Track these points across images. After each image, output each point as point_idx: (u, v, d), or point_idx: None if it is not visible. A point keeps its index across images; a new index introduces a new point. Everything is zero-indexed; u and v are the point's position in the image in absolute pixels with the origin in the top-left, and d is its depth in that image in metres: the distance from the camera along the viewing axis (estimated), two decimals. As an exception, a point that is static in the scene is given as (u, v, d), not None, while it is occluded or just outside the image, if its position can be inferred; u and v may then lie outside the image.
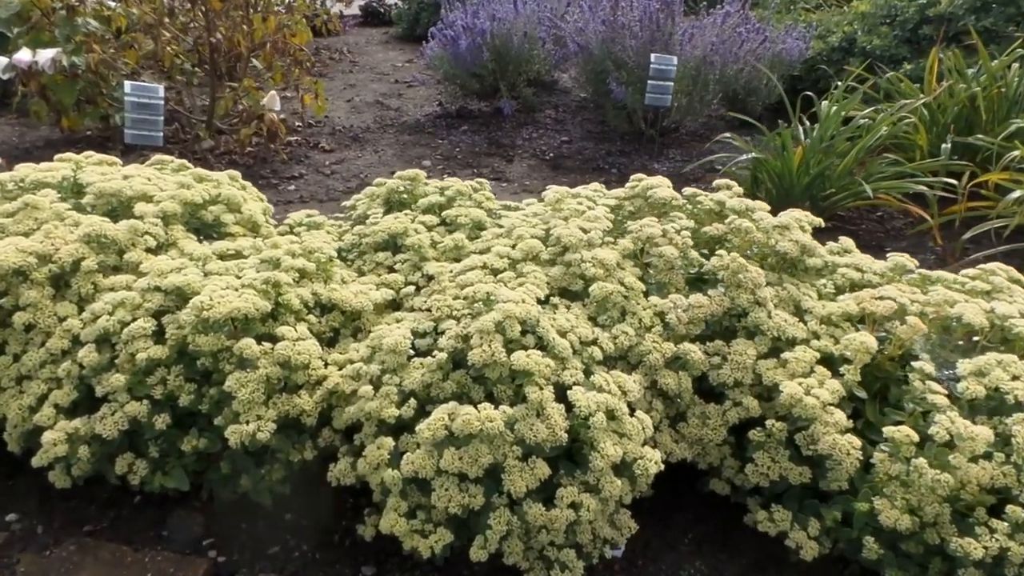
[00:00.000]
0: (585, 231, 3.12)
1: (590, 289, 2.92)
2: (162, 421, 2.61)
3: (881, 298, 2.91)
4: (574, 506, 2.37)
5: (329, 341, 2.96)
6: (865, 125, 5.68)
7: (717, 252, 3.05)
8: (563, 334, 2.65)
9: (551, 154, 7.38)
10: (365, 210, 3.71)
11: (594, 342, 2.73)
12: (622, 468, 2.50)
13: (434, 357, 2.62)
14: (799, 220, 3.20)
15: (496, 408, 2.38)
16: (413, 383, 2.59)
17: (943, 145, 5.49)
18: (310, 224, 3.67)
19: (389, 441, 2.47)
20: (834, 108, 5.75)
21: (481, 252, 3.19)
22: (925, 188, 4.90)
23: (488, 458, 2.33)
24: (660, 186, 3.44)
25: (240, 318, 2.64)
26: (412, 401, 2.54)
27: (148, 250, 3.03)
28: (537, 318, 2.60)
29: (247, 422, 2.53)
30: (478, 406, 2.37)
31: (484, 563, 2.37)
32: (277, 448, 2.67)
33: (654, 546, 2.84)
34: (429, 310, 2.97)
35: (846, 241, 3.43)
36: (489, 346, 2.48)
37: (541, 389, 2.42)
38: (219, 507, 2.94)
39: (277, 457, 2.71)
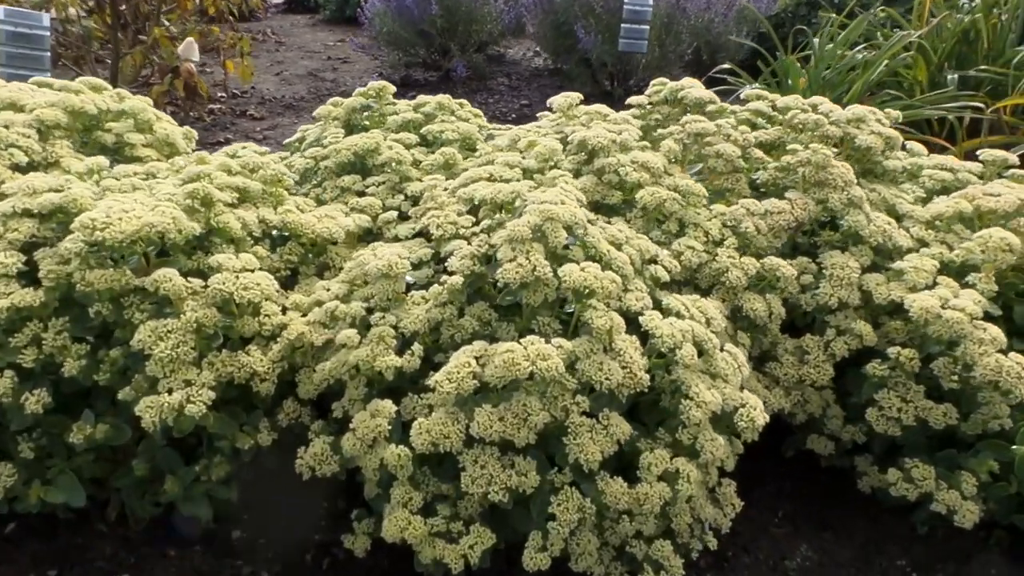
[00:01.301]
0: (615, 134, 2.40)
1: (637, 197, 2.20)
2: (37, 402, 1.74)
3: (994, 194, 2.29)
4: (666, 478, 1.64)
5: (285, 282, 2.13)
6: (862, 60, 5.19)
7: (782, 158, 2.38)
8: (618, 247, 1.92)
9: (513, 115, 6.66)
10: (319, 134, 2.89)
11: (654, 260, 2.01)
12: (718, 422, 1.78)
13: (442, 285, 1.84)
14: (873, 113, 2.56)
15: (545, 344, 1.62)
16: (415, 323, 1.80)
17: (949, 76, 5.04)
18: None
19: (388, 405, 1.68)
20: (829, 45, 5.24)
21: (482, 166, 2.43)
22: (947, 115, 4.42)
23: (542, 416, 1.57)
24: (692, 86, 2.75)
25: (153, 240, 1.80)
26: (416, 348, 1.76)
27: (15, 168, 2.14)
28: (586, 223, 1.85)
29: (169, 391, 1.69)
30: (521, 342, 1.61)
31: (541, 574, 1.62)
32: (217, 432, 1.84)
33: (741, 530, 2.13)
34: (423, 235, 2.19)
35: (916, 146, 2.82)
36: (527, 258, 1.72)
37: (607, 314, 1.68)
38: (136, 530, 2.08)
39: (218, 447, 1.87)
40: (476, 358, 1.63)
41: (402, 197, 2.43)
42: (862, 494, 2.20)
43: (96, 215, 1.76)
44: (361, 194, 2.48)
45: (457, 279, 1.81)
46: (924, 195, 2.52)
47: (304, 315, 1.95)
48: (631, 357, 1.66)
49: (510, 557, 1.95)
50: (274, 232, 2.20)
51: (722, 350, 1.84)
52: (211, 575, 1.98)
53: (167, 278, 1.73)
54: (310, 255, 2.20)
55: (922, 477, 1.92)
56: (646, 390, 1.67)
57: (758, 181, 2.44)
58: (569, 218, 1.81)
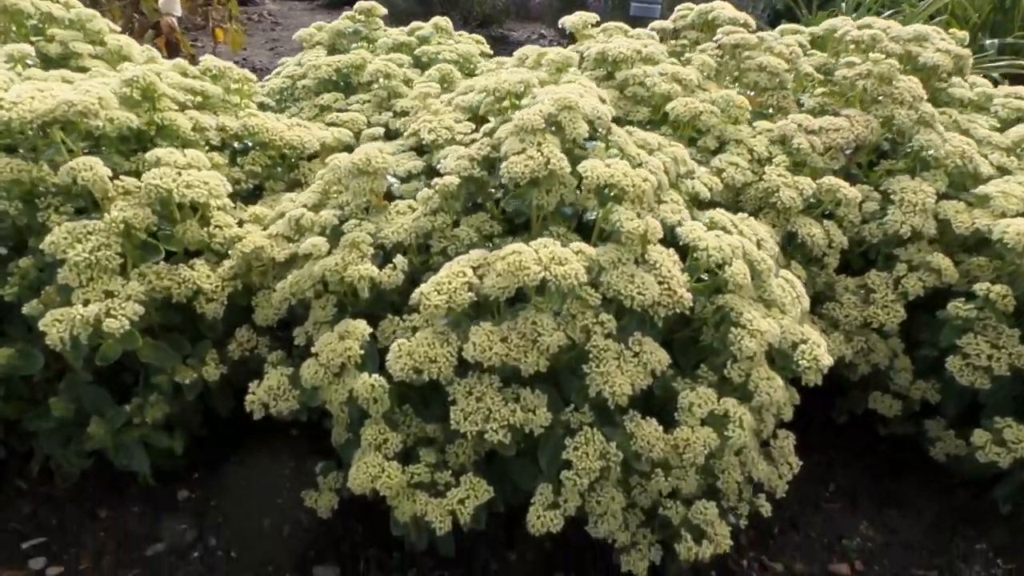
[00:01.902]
0: (639, 46, 2.05)
1: (668, 109, 1.85)
2: (-74, 317, 1.39)
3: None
4: (711, 423, 1.29)
5: (249, 197, 1.79)
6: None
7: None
8: (649, 152, 1.57)
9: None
10: (299, 60, 2.53)
11: (690, 174, 1.66)
12: (771, 364, 1.43)
13: (434, 188, 1.49)
14: (937, 32, 2.21)
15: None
16: (398, 232, 1.46)
17: (987, 42, 4.71)
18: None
19: (361, 325, 1.33)
20: (854, 12, 4.91)
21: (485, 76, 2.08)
22: (993, 72, 4.08)
23: (555, 336, 1.22)
24: (724, 7, 2.40)
25: (76, 128, 1.46)
26: (399, 260, 1.41)
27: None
28: (610, 121, 1.50)
29: (85, 303, 1.34)
30: (531, 244, 1.26)
31: (541, 543, 1.26)
32: (154, 363, 1.49)
33: (788, 503, 1.77)
34: (414, 150, 1.84)
35: (978, 79, 2.47)
36: (539, 150, 1.37)
37: (638, 215, 1.34)
38: (62, 487, 1.73)
39: (154, 383, 1.53)
40: (474, 268, 1.29)
41: (390, 114, 2.09)
42: (928, 467, 1.85)
43: (3, 95, 1.42)
44: (344, 112, 2.13)
45: (451, 179, 1.46)
46: (998, 125, 2.17)
47: (266, 228, 1.60)
48: (669, 271, 1.31)
49: (511, 522, 1.60)
50: (236, 144, 1.86)
51: (777, 276, 1.50)
52: (146, 540, 1.64)
53: (87, 166, 1.39)
54: (279, 168, 1.85)
55: (1017, 439, 1.57)
56: (687, 312, 1.32)
57: (806, 106, 2.10)
58: (590, 111, 1.46)
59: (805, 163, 1.81)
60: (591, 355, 1.23)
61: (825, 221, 1.75)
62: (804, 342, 1.42)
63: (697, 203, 1.65)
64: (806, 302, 1.52)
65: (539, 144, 1.39)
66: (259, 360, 1.50)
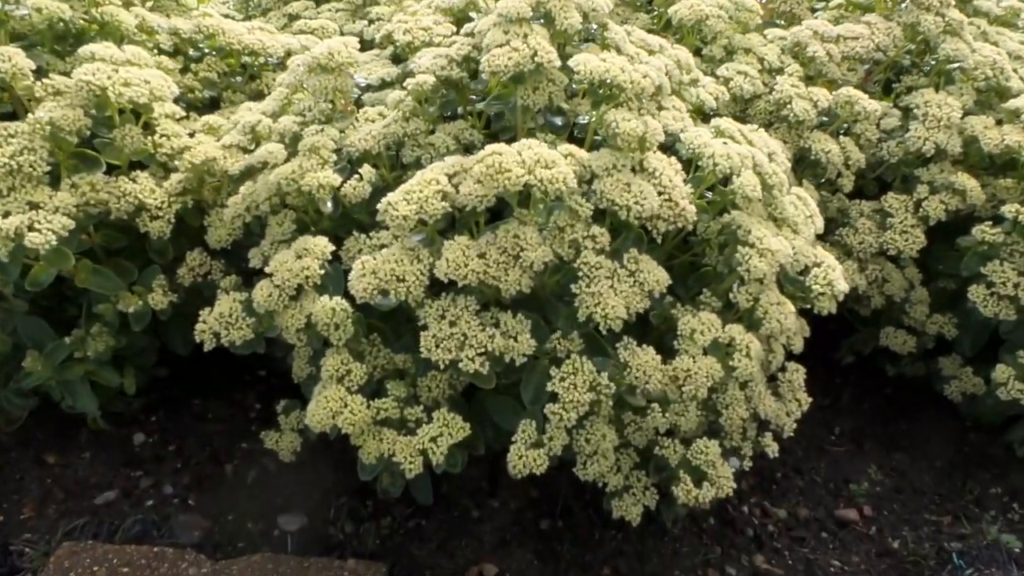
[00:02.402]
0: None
1: (671, 12, 1.66)
2: None
3: None
4: (715, 351, 1.14)
5: (205, 110, 1.61)
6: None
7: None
8: (650, 52, 1.39)
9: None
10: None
11: (695, 83, 1.49)
12: (781, 290, 1.29)
13: (406, 90, 1.32)
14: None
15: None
16: (365, 140, 1.29)
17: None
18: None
19: (321, 242, 1.17)
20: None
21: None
22: None
23: (540, 252, 1.07)
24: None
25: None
26: (366, 171, 1.25)
27: None
28: (604, 10, 1.32)
29: (5, 214, 1.18)
30: (513, 145, 1.10)
31: (527, 490, 1.13)
32: (93, 288, 1.33)
33: (792, 447, 1.65)
34: (392, 60, 1.65)
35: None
36: (524, 42, 1.19)
37: (638, 118, 1.17)
38: (6, 430, 1.59)
39: (97, 312, 1.37)
40: (449, 175, 1.12)
41: (365, 23, 1.89)
42: (938, 409, 1.74)
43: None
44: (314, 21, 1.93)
45: (426, 78, 1.29)
46: (1028, 40, 1.99)
47: (219, 139, 1.43)
48: (671, 179, 1.15)
49: (493, 467, 1.48)
50: (192, 51, 1.67)
51: (789, 193, 1.34)
52: (97, 488, 1.50)
53: (5, 56, 1.20)
54: (238, 78, 1.67)
55: (1042, 375, 1.44)
56: (690, 230, 1.17)
57: (822, 17, 1.91)
58: (585, 1, 1.28)
59: (820, 74, 1.63)
60: (581, 273, 1.08)
61: (843, 137, 1.58)
62: (818, 265, 1.27)
63: (701, 114, 1.49)
64: (819, 222, 1.36)
65: (525, 36, 1.21)
66: (214, 288, 1.34)
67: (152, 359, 1.58)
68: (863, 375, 1.87)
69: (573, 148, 1.12)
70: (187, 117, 1.49)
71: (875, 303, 1.61)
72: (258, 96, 1.68)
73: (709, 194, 1.28)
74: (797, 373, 1.29)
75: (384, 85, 1.53)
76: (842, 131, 1.64)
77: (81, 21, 1.45)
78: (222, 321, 1.21)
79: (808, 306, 1.28)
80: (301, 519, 1.45)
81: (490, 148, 1.06)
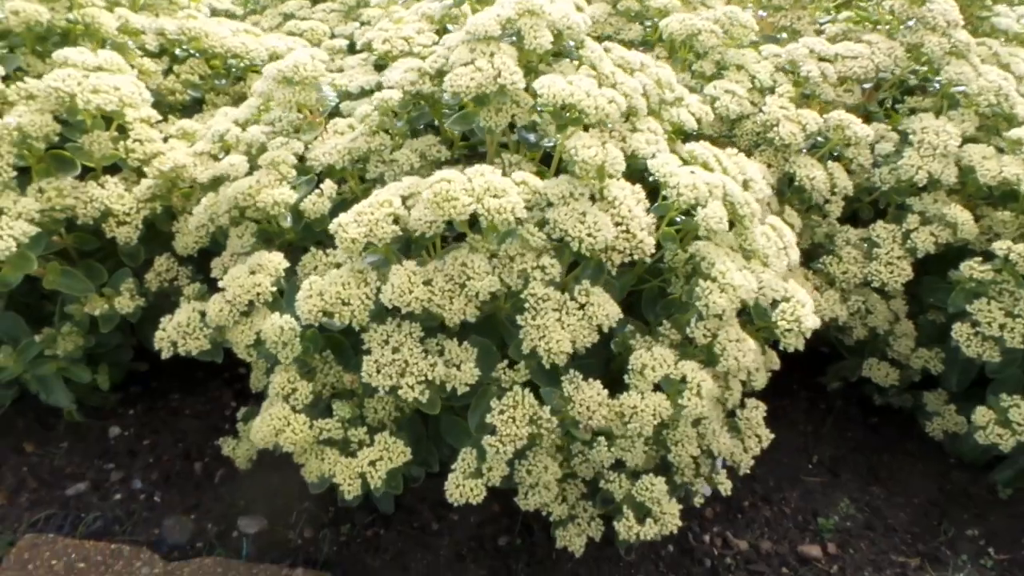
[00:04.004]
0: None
1: (662, 26, 1.62)
2: None
3: None
4: (667, 387, 1.12)
5: (188, 112, 1.62)
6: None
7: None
8: (629, 72, 1.36)
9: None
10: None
11: (678, 101, 1.45)
12: (746, 324, 1.26)
13: (371, 106, 1.31)
14: (986, -50, 1.92)
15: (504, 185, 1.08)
16: (330, 154, 1.28)
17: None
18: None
19: (275, 258, 1.17)
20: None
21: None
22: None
23: (487, 281, 1.05)
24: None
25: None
26: (327, 187, 1.24)
27: None
28: (584, 32, 1.29)
29: (-32, 218, 1.20)
30: (465, 171, 1.08)
31: (488, 505, 1.12)
32: (61, 290, 1.35)
33: (763, 474, 1.62)
34: (379, 67, 1.64)
35: (1029, 11, 2.18)
36: (489, 61, 1.17)
37: (602, 144, 1.14)
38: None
39: (67, 312, 1.39)
40: (403, 197, 1.11)
41: (357, 25, 1.88)
42: (923, 443, 1.69)
43: None
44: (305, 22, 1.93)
45: (391, 93, 1.27)
46: (1046, 60, 1.90)
47: (192, 144, 1.43)
48: (629, 210, 1.12)
49: (426, 491, 1.47)
50: (178, 51, 1.67)
51: (763, 223, 1.30)
52: (70, 479, 1.54)
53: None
54: (222, 80, 1.67)
55: (1023, 421, 1.39)
56: (649, 259, 1.15)
57: (827, 32, 1.84)
58: (559, 18, 1.25)
59: (814, 94, 1.58)
60: (527, 304, 1.06)
61: (831, 163, 1.53)
62: (786, 300, 1.23)
63: (683, 135, 1.45)
64: (795, 254, 1.32)
65: (491, 55, 1.19)
66: (177, 291, 1.36)
67: (128, 356, 1.60)
68: (849, 402, 1.83)
69: (528, 176, 1.10)
70: (165, 120, 1.50)
71: (857, 335, 1.56)
72: (242, 98, 1.68)
73: (680, 218, 1.25)
74: (756, 410, 1.26)
75: (363, 93, 1.52)
76: (833, 155, 1.59)
77: (62, 23, 1.46)
78: (180, 331, 1.22)
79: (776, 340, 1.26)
80: (261, 522, 1.46)
81: (439, 175, 1.05)
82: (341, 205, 1.31)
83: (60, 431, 1.62)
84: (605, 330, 1.09)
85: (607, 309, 1.08)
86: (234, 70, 1.67)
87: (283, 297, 1.18)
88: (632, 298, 1.34)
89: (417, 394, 1.04)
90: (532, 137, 1.33)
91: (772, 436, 1.29)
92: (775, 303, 1.24)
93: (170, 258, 1.40)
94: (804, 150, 1.51)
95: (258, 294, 1.13)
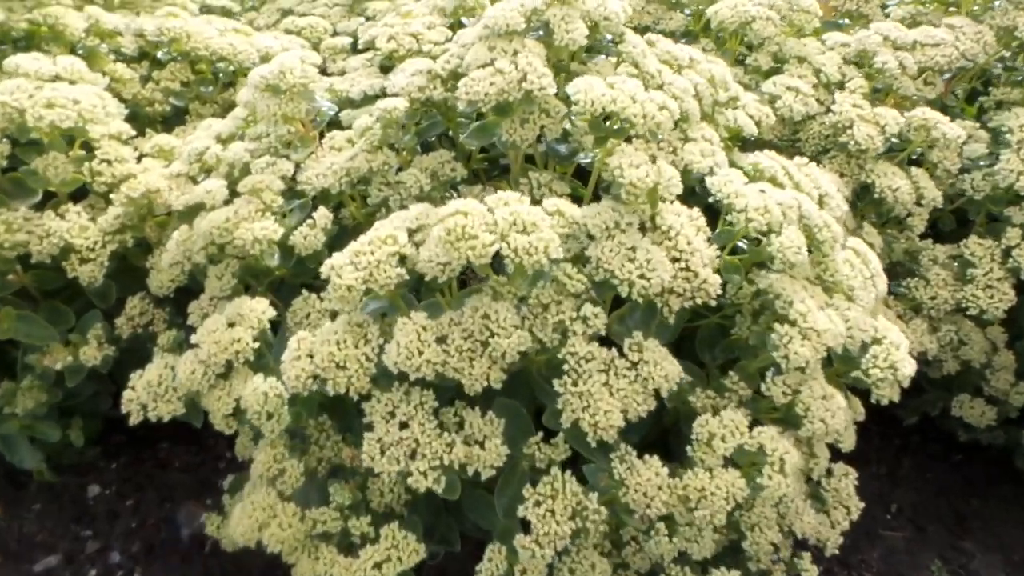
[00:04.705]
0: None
1: (711, 13, 1.40)
2: None
3: None
4: (741, 458, 0.90)
5: (172, 124, 1.42)
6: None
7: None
8: (676, 69, 1.14)
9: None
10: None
11: (733, 102, 1.22)
12: (826, 366, 1.03)
13: (372, 117, 1.10)
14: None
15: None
16: (325, 176, 1.07)
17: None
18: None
19: (258, 306, 0.97)
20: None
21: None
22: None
23: (516, 337, 0.84)
24: None
25: None
26: (320, 216, 1.04)
27: None
28: (621, 17, 1.07)
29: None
30: (486, 201, 0.87)
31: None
32: (19, 338, 1.16)
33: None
34: (381, 63, 1.43)
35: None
36: (512, 61, 0.96)
37: (651, 160, 0.93)
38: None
39: (28, 363, 1.20)
40: (411, 230, 0.91)
41: (361, 20, 1.67)
42: (1018, 485, 1.47)
43: None
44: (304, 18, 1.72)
45: (396, 103, 1.06)
46: None
47: (169, 164, 1.23)
48: (689, 243, 0.91)
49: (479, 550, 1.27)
50: (161, 54, 1.47)
51: (843, 247, 1.08)
52: (41, 549, 1.35)
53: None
54: (209, 87, 1.47)
55: None
56: (712, 303, 0.93)
57: (893, 16, 1.60)
58: (594, 7, 1.03)
59: (890, 89, 1.35)
60: (567, 367, 0.85)
61: (914, 170, 1.30)
62: (877, 342, 1.01)
63: (740, 142, 1.23)
64: (882, 284, 1.10)
65: (514, 54, 0.97)
66: (150, 338, 1.16)
67: (106, 404, 1.41)
68: (927, 438, 1.60)
69: (563, 203, 0.89)
70: (142, 135, 1.31)
71: (948, 368, 1.33)
72: (232, 108, 1.48)
73: (743, 242, 1.03)
74: (846, 479, 1.04)
75: (366, 100, 1.31)
76: (913, 159, 1.36)
77: (23, 24, 1.27)
78: (150, 391, 1.02)
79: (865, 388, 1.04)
80: (256, 602, 1.27)
81: (453, 205, 0.84)
82: (340, 235, 1.11)
83: (32, 491, 1.44)
84: (664, 394, 0.87)
85: (665, 368, 0.87)
86: (222, 75, 1.47)
87: (271, 351, 0.98)
88: (683, 332, 1.12)
89: (431, 482, 0.83)
90: (563, 149, 1.11)
91: (862, 506, 1.07)
92: (864, 346, 1.02)
93: (145, 298, 1.20)
94: (881, 155, 1.28)
95: (237, 352, 0.93)
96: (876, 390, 1.01)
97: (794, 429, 0.97)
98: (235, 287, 1.04)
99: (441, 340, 0.85)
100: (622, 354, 0.88)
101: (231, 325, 0.95)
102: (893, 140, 1.30)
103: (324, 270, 0.88)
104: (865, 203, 1.31)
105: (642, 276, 0.86)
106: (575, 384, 0.84)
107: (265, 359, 0.96)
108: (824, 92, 1.34)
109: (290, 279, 1.11)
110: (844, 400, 0.98)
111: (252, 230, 0.96)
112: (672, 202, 0.95)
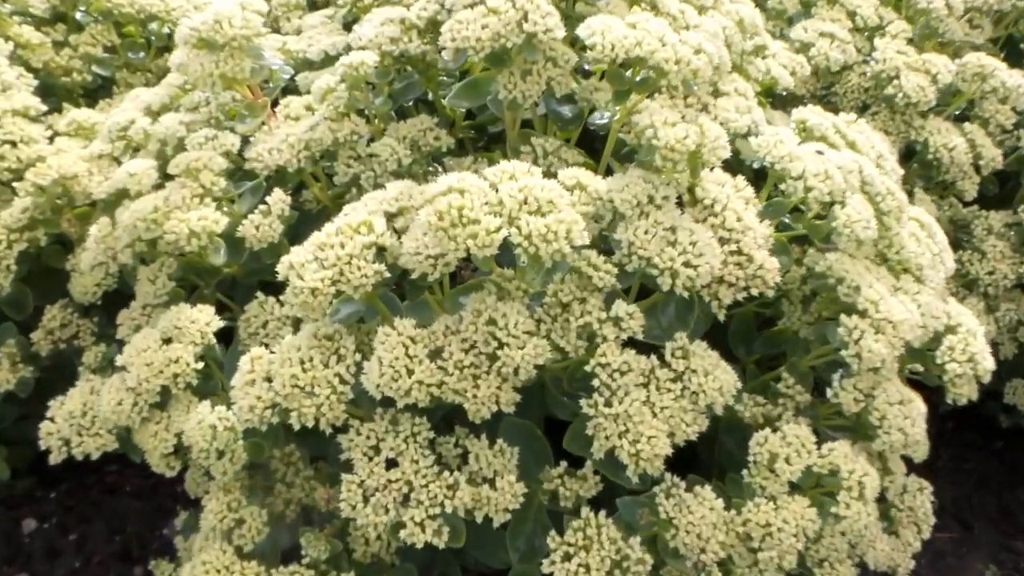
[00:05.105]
0: None
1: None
2: None
3: None
4: (809, 480, 0.73)
5: (92, 98, 1.20)
6: None
7: None
8: (699, 9, 0.94)
9: None
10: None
11: (760, 50, 1.04)
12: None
13: (335, 77, 0.90)
14: None
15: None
16: (280, 151, 0.87)
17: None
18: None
19: (201, 317, 0.77)
20: None
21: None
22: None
23: (531, 348, 0.66)
24: None
25: None
26: (275, 201, 0.84)
27: None
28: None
29: None
30: (484, 173, 0.68)
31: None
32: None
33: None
34: (345, 17, 1.22)
35: None
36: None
37: (684, 121, 0.74)
38: None
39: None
40: (390, 215, 0.72)
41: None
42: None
43: None
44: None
45: (364, 57, 0.86)
46: None
47: (89, 143, 1.02)
48: (740, 219, 0.73)
49: None
50: (79, 15, 1.24)
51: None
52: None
53: None
54: (140, 54, 1.25)
55: None
56: (769, 293, 0.75)
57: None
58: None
59: (934, 33, 1.17)
60: (598, 382, 0.67)
61: (967, 126, 1.13)
62: (952, 330, 0.85)
63: (771, 97, 1.05)
64: (950, 261, 0.94)
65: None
66: (72, 352, 0.96)
67: (36, 428, 1.20)
68: (963, 423, 1.46)
69: (582, 174, 0.70)
70: (58, 111, 1.09)
71: (1005, 352, 1.18)
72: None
73: (787, 217, 0.86)
74: (921, 495, 0.88)
75: (327, 61, 1.10)
76: (959, 114, 1.19)
77: None
78: (73, 423, 0.83)
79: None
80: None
81: (445, 181, 0.65)
82: (303, 223, 0.92)
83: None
84: (719, 411, 0.70)
85: (719, 378, 0.69)
86: (155, 38, 1.25)
87: (222, 370, 0.79)
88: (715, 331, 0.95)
89: (430, 535, 0.65)
90: (568, 111, 0.92)
91: (935, 521, 0.91)
92: (937, 336, 0.85)
93: (67, 307, 0.99)
94: (933, 110, 1.11)
95: (175, 376, 0.73)
96: (953, 388, 0.85)
97: (865, 441, 0.80)
98: (173, 291, 0.84)
99: (435, 354, 0.66)
100: (662, 361, 0.70)
101: (167, 341, 0.75)
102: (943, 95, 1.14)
103: (281, 269, 0.69)
104: (911, 167, 1.14)
105: (687, 264, 0.68)
106: (608, 404, 0.66)
107: (213, 382, 0.77)
108: (859, 38, 1.16)
109: (243, 278, 0.91)
110: (923, 404, 0.82)
111: (187, 221, 0.76)
112: (713, 168, 0.77)
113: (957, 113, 1.21)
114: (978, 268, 1.13)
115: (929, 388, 0.96)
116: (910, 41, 1.19)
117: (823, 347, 0.84)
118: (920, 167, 1.13)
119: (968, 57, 1.11)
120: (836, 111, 1.11)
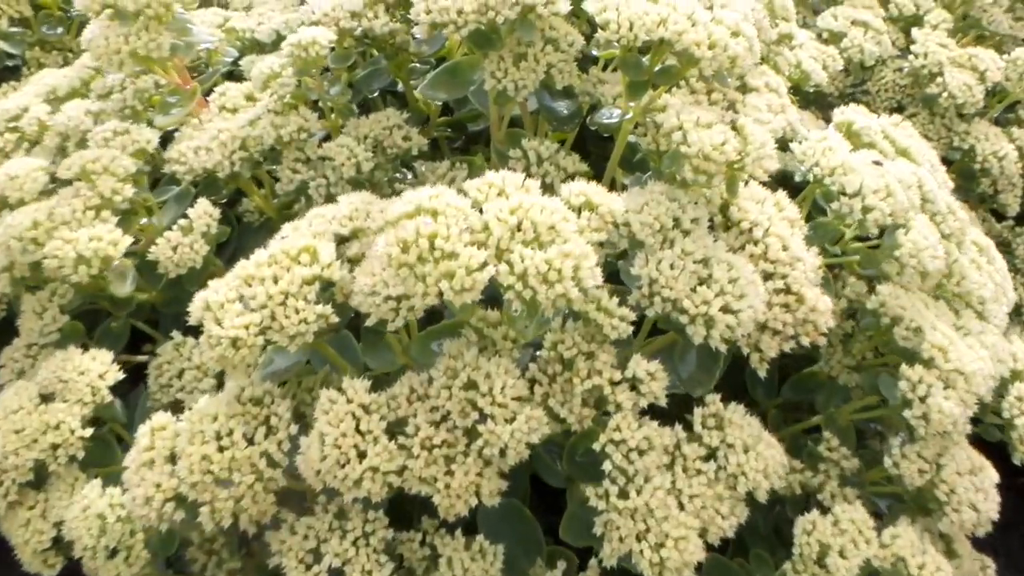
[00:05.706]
0: None
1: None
2: None
3: None
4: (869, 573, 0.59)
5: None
6: None
7: None
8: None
9: None
10: None
11: (785, 39, 0.89)
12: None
13: (281, 59, 0.73)
14: None
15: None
16: (210, 150, 0.70)
17: None
18: None
19: (93, 367, 0.60)
20: None
21: None
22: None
23: (522, 422, 0.49)
24: None
25: None
26: (199, 214, 0.67)
27: None
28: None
29: None
30: (466, 186, 0.52)
31: None
32: None
33: None
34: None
35: None
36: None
37: (712, 122, 0.58)
38: None
39: None
40: (341, 238, 0.55)
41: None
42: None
43: None
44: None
45: (317, 34, 0.69)
46: None
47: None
48: (786, 247, 0.57)
49: None
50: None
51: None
52: None
53: None
54: (58, 30, 1.06)
55: None
56: (821, 342, 0.60)
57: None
58: None
59: (977, 25, 1.03)
60: (610, 465, 0.51)
61: (1016, 131, 0.99)
62: (1019, 376, 0.71)
63: (799, 95, 0.90)
64: (1011, 290, 0.79)
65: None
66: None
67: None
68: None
69: (595, 191, 0.54)
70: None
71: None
72: (90, 56, 1.08)
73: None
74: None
75: (280, 41, 0.93)
76: (998, 117, 1.06)
77: None
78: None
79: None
80: None
81: (412, 198, 0.48)
82: (243, 239, 0.75)
83: None
84: (762, 498, 0.54)
85: (763, 455, 0.54)
86: (75, 12, 1.06)
87: (128, 431, 0.62)
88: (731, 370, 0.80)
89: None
90: (564, 108, 0.76)
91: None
92: (1003, 383, 0.71)
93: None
94: (978, 112, 0.97)
95: (54, 447, 0.56)
96: (1018, 449, 0.70)
97: (925, 516, 0.66)
98: (67, 327, 0.66)
99: (396, 427, 0.50)
100: (689, 432, 0.54)
101: (46, 399, 0.58)
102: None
103: (194, 311, 0.52)
104: (953, 175, 0.99)
105: (725, 308, 0.52)
106: (624, 495, 0.50)
107: (111, 450, 0.59)
108: (894, 28, 1.02)
109: (164, 307, 0.73)
110: (996, 475, 0.67)
111: (74, 242, 0.58)
112: (749, 183, 0.61)
113: (996, 116, 1.07)
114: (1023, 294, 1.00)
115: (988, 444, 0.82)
116: (961, 31, 1.06)
117: (868, 398, 0.70)
118: (959, 177, 0.98)
119: (1017, 52, 0.97)
120: (869, 111, 0.96)
